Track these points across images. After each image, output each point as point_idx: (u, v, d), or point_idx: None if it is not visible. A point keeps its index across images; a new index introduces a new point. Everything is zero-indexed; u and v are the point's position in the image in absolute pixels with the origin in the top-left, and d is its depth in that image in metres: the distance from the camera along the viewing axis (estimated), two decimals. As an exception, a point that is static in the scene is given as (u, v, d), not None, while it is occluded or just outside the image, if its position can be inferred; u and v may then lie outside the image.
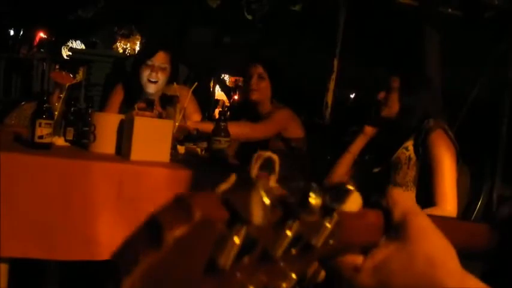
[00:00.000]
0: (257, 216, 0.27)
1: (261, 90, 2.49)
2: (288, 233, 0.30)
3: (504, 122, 3.24)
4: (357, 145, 2.09)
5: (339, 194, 0.33)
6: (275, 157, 0.34)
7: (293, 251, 0.31)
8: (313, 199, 0.30)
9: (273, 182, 0.31)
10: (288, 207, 0.30)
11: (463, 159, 1.89)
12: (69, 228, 1.57)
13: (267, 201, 0.28)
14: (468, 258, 0.44)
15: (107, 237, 1.59)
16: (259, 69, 2.49)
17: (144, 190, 1.63)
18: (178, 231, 0.26)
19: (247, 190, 0.28)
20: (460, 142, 1.88)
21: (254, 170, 0.32)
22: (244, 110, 2.65)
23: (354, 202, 0.34)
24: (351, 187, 0.34)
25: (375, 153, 2.02)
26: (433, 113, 1.90)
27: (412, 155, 1.86)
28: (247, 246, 0.28)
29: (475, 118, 3.36)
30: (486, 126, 3.45)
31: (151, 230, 0.27)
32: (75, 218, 1.58)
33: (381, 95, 1.94)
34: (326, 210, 0.32)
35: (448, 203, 1.74)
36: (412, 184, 1.86)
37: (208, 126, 2.06)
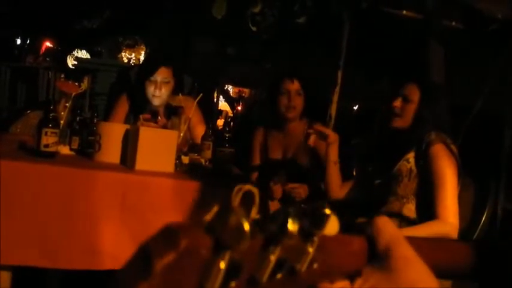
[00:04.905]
0: (238, 240, 0.30)
1: (298, 107, 2.44)
2: (272, 257, 0.32)
3: (508, 134, 3.24)
4: (333, 151, 2.03)
5: (317, 218, 0.35)
6: (255, 190, 0.37)
7: (278, 276, 0.33)
8: (291, 224, 0.32)
9: (254, 214, 0.34)
10: (269, 234, 0.32)
11: (467, 173, 1.88)
12: (72, 237, 1.58)
13: (246, 226, 0.30)
14: (455, 278, 0.45)
15: (110, 246, 1.59)
16: (297, 86, 2.43)
17: (148, 200, 1.63)
18: (167, 259, 0.29)
19: (229, 218, 0.30)
20: (464, 155, 1.87)
21: (235, 202, 0.34)
22: (247, 122, 2.65)
23: (331, 226, 0.36)
24: (328, 211, 0.36)
25: (377, 165, 2.01)
26: (438, 125, 1.89)
27: (413, 167, 1.85)
28: (233, 272, 0.30)
29: (479, 130, 3.36)
30: (490, 138, 3.44)
31: (142, 259, 0.29)
32: (79, 227, 1.58)
33: (397, 103, 1.87)
34: (307, 235, 0.34)
35: (450, 215, 1.73)
36: (412, 196, 1.85)
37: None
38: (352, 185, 2.10)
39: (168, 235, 0.29)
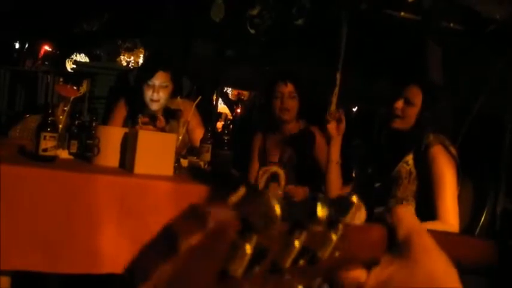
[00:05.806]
0: (268, 224, 0.28)
1: (292, 109, 2.45)
2: (296, 243, 0.30)
3: (508, 135, 3.24)
4: (335, 150, 2.03)
5: (343, 206, 0.33)
6: (281, 171, 0.35)
7: (301, 263, 0.32)
8: (320, 210, 0.30)
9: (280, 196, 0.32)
10: (297, 218, 0.30)
11: (466, 173, 1.88)
12: (72, 241, 1.57)
13: (278, 210, 0.28)
14: (473, 274, 0.44)
15: (110, 250, 1.59)
16: (290, 88, 2.45)
17: (147, 203, 1.63)
18: (193, 239, 0.27)
19: (258, 200, 0.28)
20: (463, 156, 1.87)
21: (261, 183, 0.33)
22: (246, 124, 2.65)
23: (358, 215, 0.35)
24: (355, 200, 0.35)
25: (376, 167, 2.01)
26: (439, 127, 1.87)
27: (413, 169, 1.85)
28: (258, 256, 0.29)
29: (478, 131, 3.36)
30: (489, 139, 3.44)
31: (167, 239, 0.28)
32: (78, 230, 1.58)
33: (398, 104, 1.86)
34: (331, 223, 0.33)
35: (451, 217, 1.73)
36: (411, 198, 1.85)
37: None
38: (352, 187, 2.10)
39: (195, 216, 0.28)
